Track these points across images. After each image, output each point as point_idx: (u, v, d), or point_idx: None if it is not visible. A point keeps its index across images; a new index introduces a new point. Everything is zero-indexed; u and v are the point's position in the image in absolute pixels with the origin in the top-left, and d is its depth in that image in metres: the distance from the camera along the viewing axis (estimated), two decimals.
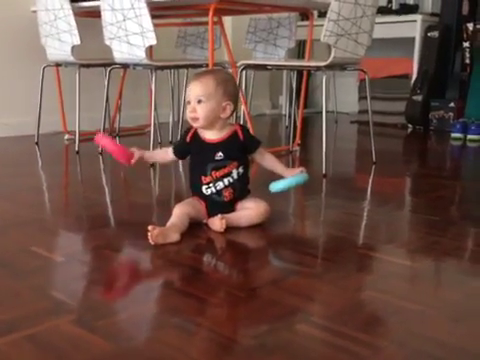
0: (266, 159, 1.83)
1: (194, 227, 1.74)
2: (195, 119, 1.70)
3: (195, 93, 1.69)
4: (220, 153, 1.72)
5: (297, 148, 3.22)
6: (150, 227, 1.56)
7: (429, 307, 1.18)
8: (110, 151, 1.81)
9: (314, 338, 1.07)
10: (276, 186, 1.74)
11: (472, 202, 2.19)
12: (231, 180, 1.72)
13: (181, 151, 1.83)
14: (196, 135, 1.77)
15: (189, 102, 1.71)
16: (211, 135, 1.75)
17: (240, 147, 1.75)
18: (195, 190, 1.78)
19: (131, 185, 2.49)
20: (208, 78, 1.70)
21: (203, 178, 1.73)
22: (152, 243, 1.55)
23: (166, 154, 1.86)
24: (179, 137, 1.86)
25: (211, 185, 1.72)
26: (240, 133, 1.75)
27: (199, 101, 1.68)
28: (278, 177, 1.80)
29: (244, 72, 2.88)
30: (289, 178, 1.76)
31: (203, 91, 1.68)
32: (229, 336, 1.06)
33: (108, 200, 2.21)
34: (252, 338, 1.05)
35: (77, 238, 1.70)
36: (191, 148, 1.78)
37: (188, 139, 1.77)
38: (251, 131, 3.11)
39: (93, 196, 2.21)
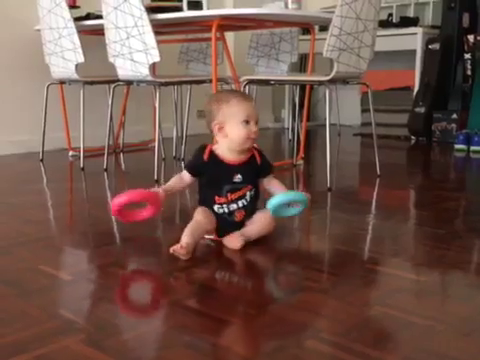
0: (272, 184, 1.81)
1: (201, 243, 1.74)
2: (253, 140, 1.69)
3: (254, 113, 1.68)
4: (239, 175, 1.71)
5: (301, 162, 3.23)
6: (177, 249, 1.58)
7: (438, 322, 1.18)
8: (134, 199, 1.73)
9: (323, 354, 1.06)
10: (273, 202, 1.68)
11: (477, 214, 2.19)
12: (245, 203, 1.72)
13: (198, 170, 1.76)
14: (213, 154, 1.73)
15: (247, 122, 1.67)
16: (232, 156, 1.72)
17: (256, 171, 1.75)
18: (206, 206, 1.76)
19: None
20: (253, 101, 1.75)
21: (217, 198, 1.72)
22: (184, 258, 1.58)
23: (181, 180, 1.79)
24: (191, 155, 1.78)
25: (224, 206, 1.72)
26: (258, 157, 1.75)
27: (256, 122, 1.69)
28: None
29: (247, 87, 2.90)
30: (286, 192, 1.75)
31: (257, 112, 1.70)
32: (239, 354, 1.06)
33: (113, 217, 2.22)
34: (262, 356, 1.05)
35: (84, 256, 1.71)
36: (208, 167, 1.73)
37: (205, 157, 1.72)
38: (255, 145, 3.14)
39: (98, 213, 2.22)
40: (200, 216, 1.70)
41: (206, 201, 1.75)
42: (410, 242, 1.82)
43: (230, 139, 1.69)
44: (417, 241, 1.83)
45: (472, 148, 3.61)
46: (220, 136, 1.71)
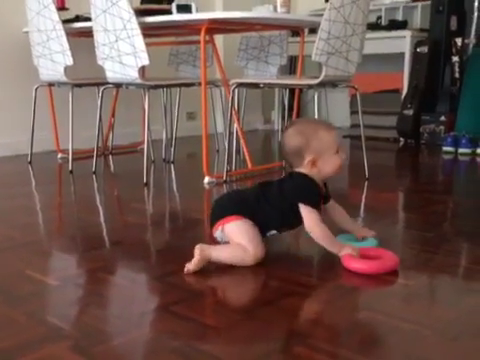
0: (338, 212, 1.79)
1: (190, 249, 1.74)
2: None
3: (340, 141, 1.66)
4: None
5: None
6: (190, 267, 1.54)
7: (424, 327, 1.19)
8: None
9: None
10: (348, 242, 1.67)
11: (465, 217, 2.21)
12: None
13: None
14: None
15: (338, 152, 1.63)
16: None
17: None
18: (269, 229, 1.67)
19: (125, 205, 2.49)
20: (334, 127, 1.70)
21: (281, 228, 1.69)
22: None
23: (322, 222, 1.61)
24: (307, 191, 1.62)
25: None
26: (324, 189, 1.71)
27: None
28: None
29: (236, 90, 2.91)
30: (363, 244, 1.70)
31: None
32: None
33: (102, 220, 2.21)
34: None
35: (72, 260, 1.70)
36: None
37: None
38: (244, 148, 3.14)
39: (87, 216, 2.21)
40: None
41: (267, 224, 1.65)
42: (398, 245, 1.83)
43: (323, 172, 1.63)
44: (405, 244, 1.84)
45: (460, 150, 3.63)
46: (312, 170, 1.63)
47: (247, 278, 1.56)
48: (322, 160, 1.62)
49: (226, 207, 1.67)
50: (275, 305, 1.32)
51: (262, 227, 1.63)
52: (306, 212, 1.59)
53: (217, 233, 1.65)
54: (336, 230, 1.74)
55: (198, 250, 1.54)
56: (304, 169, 1.63)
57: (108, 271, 1.58)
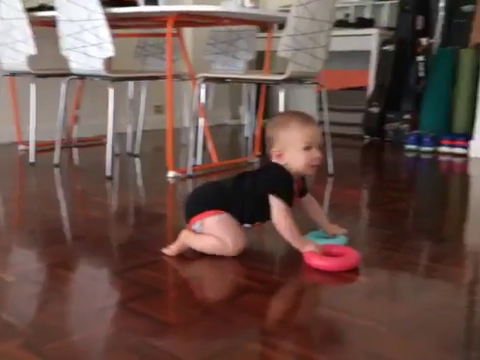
0: (313, 207, 1.78)
1: (152, 244, 1.73)
2: (316, 167, 1.61)
3: (318, 140, 1.60)
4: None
5: (256, 160, 3.24)
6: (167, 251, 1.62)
7: (381, 324, 1.20)
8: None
9: (267, 357, 1.07)
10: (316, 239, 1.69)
11: (425, 215, 2.25)
12: None
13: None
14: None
15: (309, 148, 1.58)
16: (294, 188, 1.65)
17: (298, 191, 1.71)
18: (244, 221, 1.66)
19: (87, 199, 2.45)
20: (316, 123, 1.64)
21: (258, 223, 1.68)
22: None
23: (290, 216, 1.59)
24: (280, 183, 1.60)
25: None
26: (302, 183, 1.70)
27: (319, 146, 1.61)
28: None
29: (204, 84, 2.89)
30: (331, 241, 1.71)
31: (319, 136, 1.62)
32: (182, 358, 1.05)
33: (64, 215, 2.18)
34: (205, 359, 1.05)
35: (30, 255, 1.66)
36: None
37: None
38: (211, 143, 3.13)
39: (48, 210, 2.17)
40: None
41: (241, 216, 1.64)
42: (360, 243, 1.84)
43: (292, 166, 1.60)
44: (366, 242, 1.86)
45: (423, 149, 3.70)
46: (280, 162, 1.61)
47: (208, 274, 1.55)
48: (289, 154, 1.59)
49: (204, 200, 1.66)
50: (234, 302, 1.31)
51: (238, 219, 1.63)
52: (275, 204, 1.58)
53: (195, 226, 1.64)
54: (309, 226, 1.76)
55: (182, 236, 1.62)
56: (274, 160, 1.63)
57: (67, 267, 1.55)
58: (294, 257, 1.61)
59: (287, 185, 1.60)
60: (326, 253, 1.57)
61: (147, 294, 1.35)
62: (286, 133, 1.59)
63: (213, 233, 1.59)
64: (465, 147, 3.59)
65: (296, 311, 1.28)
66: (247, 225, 1.66)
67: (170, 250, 1.62)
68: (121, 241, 1.84)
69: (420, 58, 4.06)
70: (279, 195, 1.57)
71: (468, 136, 3.60)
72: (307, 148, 1.58)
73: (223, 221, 1.60)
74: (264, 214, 1.62)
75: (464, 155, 3.58)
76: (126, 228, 2.00)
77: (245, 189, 1.63)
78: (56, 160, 3.02)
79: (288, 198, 1.59)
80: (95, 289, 1.44)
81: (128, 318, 1.22)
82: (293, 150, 1.58)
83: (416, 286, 1.46)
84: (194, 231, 1.64)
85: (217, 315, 1.24)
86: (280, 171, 1.60)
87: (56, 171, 2.92)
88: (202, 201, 1.66)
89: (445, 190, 2.80)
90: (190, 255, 1.63)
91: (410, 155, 3.66)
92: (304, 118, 1.61)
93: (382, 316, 1.25)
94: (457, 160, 3.49)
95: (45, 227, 1.96)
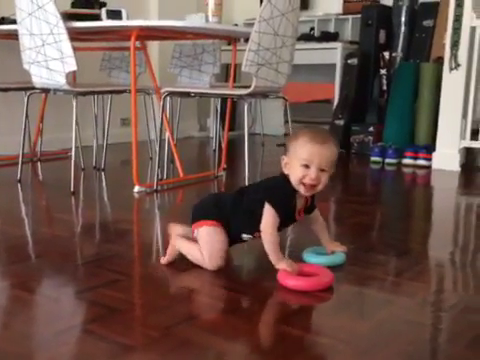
0: (319, 226, 1.81)
1: (116, 262, 1.71)
2: (313, 187, 1.58)
3: (321, 161, 1.55)
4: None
5: (222, 173, 3.25)
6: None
7: (339, 341, 1.21)
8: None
9: None
10: (311, 259, 1.72)
11: (389, 228, 2.28)
12: None
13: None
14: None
15: (307, 166, 1.55)
16: (299, 203, 1.65)
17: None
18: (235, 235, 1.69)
19: (51, 215, 2.42)
20: (331, 143, 1.58)
21: (256, 233, 1.65)
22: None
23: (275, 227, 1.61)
24: (275, 196, 1.61)
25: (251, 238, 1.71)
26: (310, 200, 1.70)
27: (322, 169, 1.56)
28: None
29: (169, 98, 2.89)
30: (328, 257, 1.74)
31: (330, 159, 1.57)
32: None
33: (26, 232, 2.14)
34: None
35: None
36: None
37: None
38: (176, 157, 3.12)
39: (9, 228, 2.13)
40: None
41: (240, 230, 1.68)
42: None
43: (291, 178, 1.59)
44: None
45: (386, 161, 3.76)
46: (284, 171, 1.62)
47: (170, 292, 1.54)
48: (291, 166, 1.59)
49: (202, 210, 1.72)
50: (193, 322, 1.31)
51: (235, 232, 1.68)
52: (266, 211, 1.59)
53: (194, 233, 1.70)
54: (313, 241, 1.80)
55: (172, 238, 1.72)
56: (282, 168, 1.64)
57: (26, 287, 1.53)
58: (256, 273, 1.62)
59: (282, 197, 1.61)
60: (301, 273, 1.58)
61: (107, 315, 1.34)
62: (293, 145, 1.60)
63: (200, 244, 1.66)
64: (428, 159, 3.67)
65: (256, 330, 1.28)
66: (246, 236, 1.69)
67: (165, 260, 1.71)
68: (84, 259, 1.82)
69: (383, 71, 4.14)
70: (273, 204, 1.58)
71: (430, 148, 3.68)
72: (305, 165, 1.56)
73: (211, 235, 1.65)
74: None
75: (427, 167, 3.65)
76: (90, 245, 1.98)
77: (246, 201, 1.66)
78: (18, 175, 2.97)
79: (280, 210, 1.59)
80: (53, 311, 1.41)
81: (85, 341, 1.20)
82: (294, 163, 1.58)
83: (378, 302, 1.48)
84: (196, 239, 1.69)
85: (177, 336, 1.23)
86: (280, 182, 1.62)
87: (18, 187, 2.87)
88: (202, 210, 1.72)
89: (408, 202, 2.86)
90: (149, 274, 1.62)
91: (375, 167, 3.72)
92: (315, 136, 1.57)
93: (340, 333, 1.26)
94: (420, 172, 3.56)
95: (6, 245, 1.92)
